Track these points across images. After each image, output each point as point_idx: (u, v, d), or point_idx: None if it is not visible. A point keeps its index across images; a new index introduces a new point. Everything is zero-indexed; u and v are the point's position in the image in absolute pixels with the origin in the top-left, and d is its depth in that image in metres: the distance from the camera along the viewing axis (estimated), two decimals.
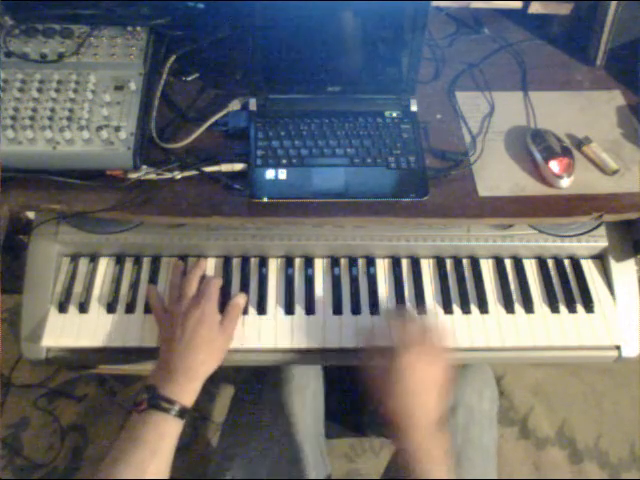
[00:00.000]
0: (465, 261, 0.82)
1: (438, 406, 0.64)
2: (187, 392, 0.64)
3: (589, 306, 0.78)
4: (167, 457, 0.61)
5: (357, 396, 1.25)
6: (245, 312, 0.76)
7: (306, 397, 0.85)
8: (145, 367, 0.75)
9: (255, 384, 0.87)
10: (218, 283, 0.75)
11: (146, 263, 0.80)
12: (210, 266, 0.80)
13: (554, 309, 0.78)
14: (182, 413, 0.63)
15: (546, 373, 1.46)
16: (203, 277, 0.77)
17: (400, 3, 0.69)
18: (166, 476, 0.61)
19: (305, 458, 0.80)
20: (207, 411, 1.34)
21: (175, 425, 0.62)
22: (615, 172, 0.75)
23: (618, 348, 0.77)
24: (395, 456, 0.65)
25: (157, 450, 0.60)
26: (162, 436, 0.61)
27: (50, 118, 0.69)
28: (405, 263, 0.81)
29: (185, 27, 0.82)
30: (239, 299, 0.75)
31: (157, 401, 0.62)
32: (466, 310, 0.78)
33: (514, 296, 0.79)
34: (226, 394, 1.36)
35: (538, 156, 0.75)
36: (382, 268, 0.81)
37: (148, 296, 0.75)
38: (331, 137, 0.75)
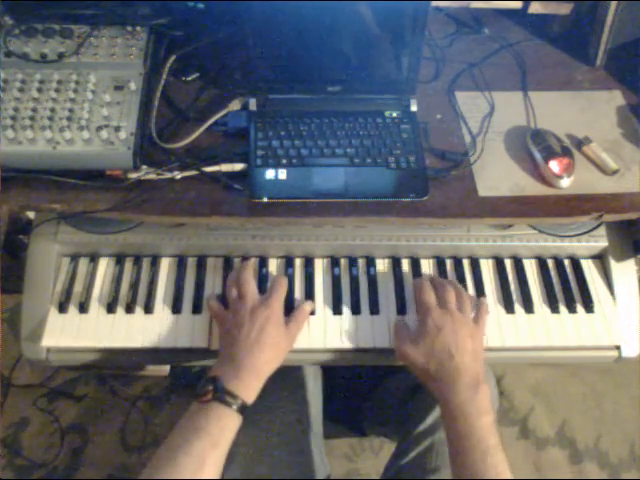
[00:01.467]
0: (465, 261, 0.82)
1: (474, 364, 0.67)
2: (250, 389, 0.65)
3: (589, 306, 0.78)
4: (224, 451, 0.61)
5: (357, 396, 1.25)
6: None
7: (305, 396, 0.85)
8: (145, 367, 0.75)
9: None
10: (285, 283, 0.75)
11: (146, 263, 0.80)
12: (210, 266, 0.80)
13: (554, 309, 0.78)
14: (243, 409, 0.63)
15: (546, 373, 1.46)
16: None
17: (400, 3, 0.69)
18: (220, 470, 0.61)
19: (303, 457, 0.80)
20: None
21: (235, 420, 0.63)
22: (615, 172, 0.75)
23: (618, 348, 0.77)
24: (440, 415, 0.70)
25: (217, 443, 0.60)
26: (223, 429, 0.61)
27: (50, 118, 0.69)
28: (405, 263, 0.81)
29: (185, 27, 0.82)
30: (307, 306, 0.75)
31: (222, 394, 0.62)
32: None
33: (514, 296, 0.79)
34: None
35: (538, 156, 0.75)
36: (382, 268, 0.81)
37: (208, 302, 0.75)
38: (331, 137, 0.75)
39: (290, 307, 0.76)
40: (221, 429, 0.61)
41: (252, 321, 0.68)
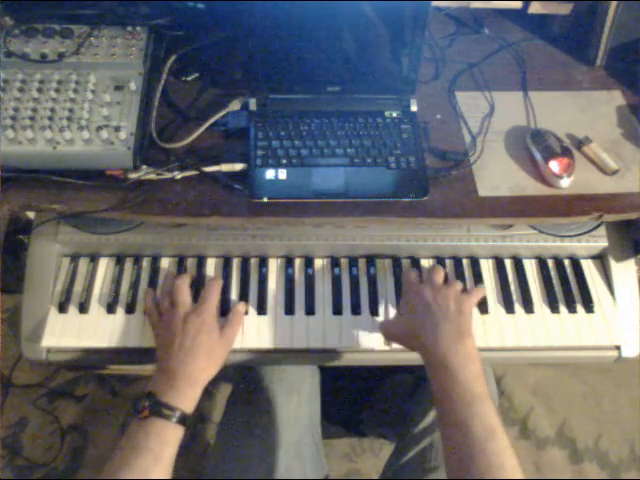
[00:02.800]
0: (465, 261, 0.82)
1: (458, 317, 0.67)
2: (188, 399, 0.64)
3: (589, 306, 0.78)
4: (169, 464, 0.61)
5: (356, 397, 1.25)
6: (245, 312, 0.76)
7: (302, 396, 0.85)
8: (145, 367, 0.75)
9: (251, 383, 0.87)
10: (218, 287, 0.75)
11: (146, 263, 0.80)
12: (210, 266, 0.80)
13: (554, 309, 0.78)
14: (183, 419, 0.63)
15: (546, 373, 1.46)
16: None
17: (400, 3, 0.69)
18: None
19: (302, 458, 0.80)
20: (207, 411, 1.33)
21: (176, 432, 0.62)
22: (615, 172, 0.75)
23: (618, 348, 0.77)
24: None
25: (160, 457, 0.60)
26: (164, 443, 0.61)
27: (50, 118, 0.69)
28: (405, 263, 0.81)
29: (185, 27, 0.82)
30: (241, 307, 0.75)
31: (158, 408, 0.62)
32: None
33: (514, 296, 0.79)
34: (226, 394, 1.36)
35: (538, 156, 0.75)
36: (382, 268, 0.81)
37: (145, 300, 0.76)
38: (331, 137, 0.75)
39: (290, 306, 0.76)
40: (162, 443, 0.61)
41: (185, 330, 0.68)
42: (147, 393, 0.64)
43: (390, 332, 0.73)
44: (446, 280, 0.77)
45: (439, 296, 0.69)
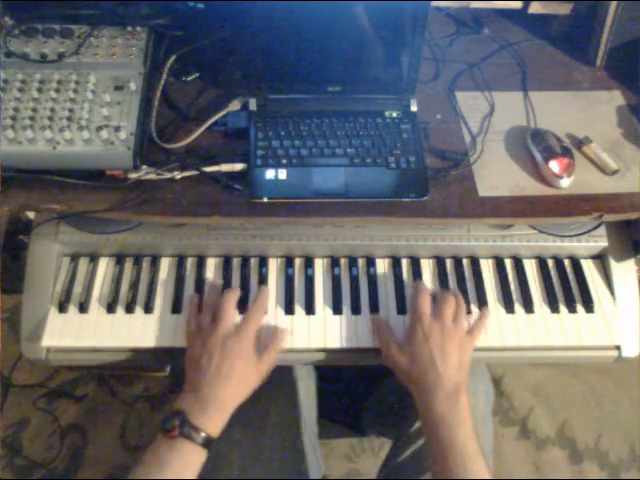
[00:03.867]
0: (465, 261, 0.82)
1: (458, 374, 0.67)
2: (215, 423, 0.64)
3: (589, 306, 0.78)
4: None
5: (356, 395, 1.25)
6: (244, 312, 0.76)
7: (298, 396, 0.85)
8: (145, 367, 0.75)
9: None
10: (263, 309, 0.73)
11: (146, 263, 0.80)
12: (210, 266, 0.80)
13: (554, 309, 0.78)
14: (207, 443, 0.63)
15: (546, 373, 1.46)
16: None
17: (400, 3, 0.69)
18: None
19: (299, 458, 0.80)
20: None
21: (200, 455, 0.62)
22: (615, 172, 0.75)
23: (618, 348, 0.77)
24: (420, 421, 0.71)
25: (182, 477, 0.60)
26: (187, 465, 0.61)
27: (50, 118, 0.69)
28: (405, 263, 0.81)
29: (185, 27, 0.82)
30: (281, 334, 0.73)
31: (187, 430, 0.62)
32: (466, 310, 0.77)
33: (514, 296, 0.79)
34: None
35: (538, 156, 0.75)
36: (382, 268, 0.81)
37: (189, 306, 0.74)
38: (331, 137, 0.75)
39: (290, 306, 0.76)
40: (185, 464, 0.61)
41: (223, 353, 0.66)
42: (177, 412, 0.63)
43: (391, 360, 0.71)
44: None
45: (446, 344, 0.68)
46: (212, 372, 0.66)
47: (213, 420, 0.64)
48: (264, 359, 0.70)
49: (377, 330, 0.75)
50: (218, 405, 0.65)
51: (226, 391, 0.65)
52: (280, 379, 0.85)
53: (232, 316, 0.71)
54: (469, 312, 0.77)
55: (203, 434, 0.62)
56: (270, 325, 0.75)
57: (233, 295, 0.73)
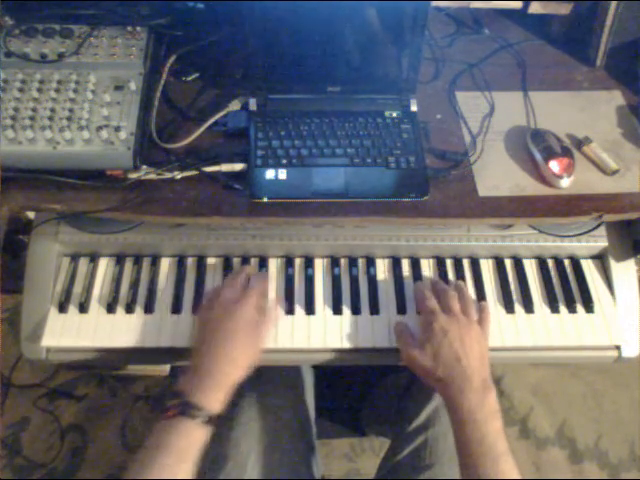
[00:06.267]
0: (465, 261, 0.82)
1: (482, 368, 0.67)
2: (215, 399, 0.64)
3: (589, 306, 0.78)
4: (194, 464, 0.61)
5: (355, 395, 1.25)
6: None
7: (296, 396, 0.85)
8: (145, 367, 0.75)
9: (246, 383, 0.87)
10: (264, 282, 0.73)
11: (146, 263, 0.79)
12: (210, 266, 0.80)
13: (554, 309, 0.78)
14: (209, 420, 0.62)
15: (546, 373, 1.46)
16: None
17: (400, 3, 0.69)
18: None
19: (297, 458, 0.80)
20: None
21: (202, 432, 0.62)
22: (615, 172, 0.75)
23: (618, 348, 0.77)
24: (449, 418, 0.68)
25: (185, 457, 0.60)
26: (190, 443, 0.61)
27: (50, 118, 0.69)
28: (405, 263, 0.81)
29: (185, 27, 0.82)
30: (275, 309, 0.73)
31: (187, 408, 0.61)
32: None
33: (514, 296, 0.79)
34: None
35: (538, 156, 0.75)
36: (382, 268, 0.81)
37: (210, 292, 0.74)
38: (331, 137, 0.75)
39: (290, 306, 0.76)
40: (189, 443, 0.61)
41: (217, 329, 0.67)
42: (175, 392, 0.63)
43: (415, 363, 0.70)
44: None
45: (466, 337, 0.68)
46: (212, 349, 0.66)
47: (213, 396, 0.64)
48: (261, 336, 0.70)
49: (398, 334, 0.74)
50: (218, 379, 0.64)
51: (225, 368, 0.65)
52: (281, 379, 0.85)
53: (233, 295, 0.70)
54: None
55: (204, 411, 0.62)
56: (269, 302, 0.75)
57: (242, 275, 0.73)
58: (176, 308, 0.76)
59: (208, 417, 0.62)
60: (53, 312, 0.75)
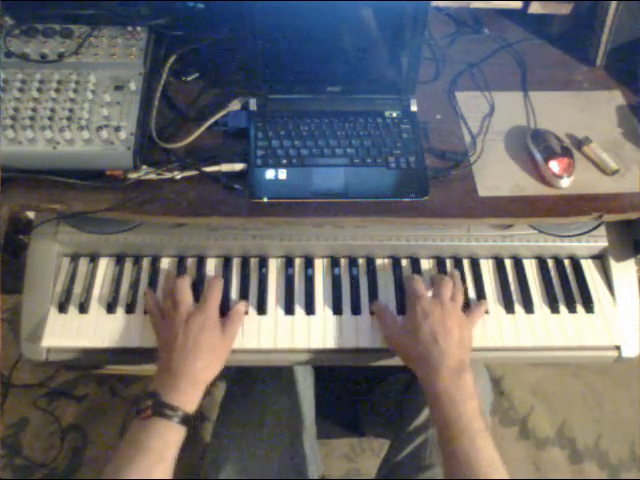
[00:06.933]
0: (465, 261, 0.82)
1: (459, 351, 0.68)
2: (190, 399, 0.64)
3: (589, 306, 0.78)
4: (171, 464, 0.61)
5: (354, 396, 1.25)
6: (245, 312, 0.76)
7: (296, 396, 0.85)
8: (145, 367, 0.75)
9: (245, 384, 0.87)
10: (220, 286, 0.74)
11: (146, 263, 0.79)
12: (210, 266, 0.80)
13: (554, 309, 0.78)
14: (185, 420, 0.63)
15: (546, 373, 1.46)
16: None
17: (400, 3, 0.69)
18: None
19: (297, 458, 0.80)
20: (206, 410, 1.33)
21: (178, 432, 0.62)
22: (615, 172, 0.75)
23: (618, 348, 0.77)
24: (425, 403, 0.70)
25: (162, 457, 0.60)
26: (166, 444, 0.61)
27: (50, 118, 0.69)
28: (405, 263, 0.81)
29: (185, 27, 0.82)
30: (241, 307, 0.75)
31: (161, 408, 0.62)
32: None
33: (514, 296, 0.79)
34: None
35: (538, 156, 0.75)
36: (382, 268, 0.81)
37: (145, 300, 0.75)
38: (331, 137, 0.75)
39: (290, 306, 0.76)
40: (165, 443, 0.61)
41: (186, 329, 0.68)
42: (149, 393, 0.64)
43: (394, 341, 0.72)
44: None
45: (447, 320, 0.69)
46: (179, 348, 0.67)
47: (187, 396, 0.64)
48: (227, 332, 0.71)
49: (378, 313, 0.75)
50: (190, 379, 0.65)
51: (196, 365, 0.66)
52: (279, 380, 0.85)
53: (189, 296, 0.73)
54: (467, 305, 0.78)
55: (178, 411, 0.62)
56: (231, 301, 0.76)
57: (184, 279, 0.74)
58: None
59: (184, 417, 0.62)
60: (53, 312, 0.75)
